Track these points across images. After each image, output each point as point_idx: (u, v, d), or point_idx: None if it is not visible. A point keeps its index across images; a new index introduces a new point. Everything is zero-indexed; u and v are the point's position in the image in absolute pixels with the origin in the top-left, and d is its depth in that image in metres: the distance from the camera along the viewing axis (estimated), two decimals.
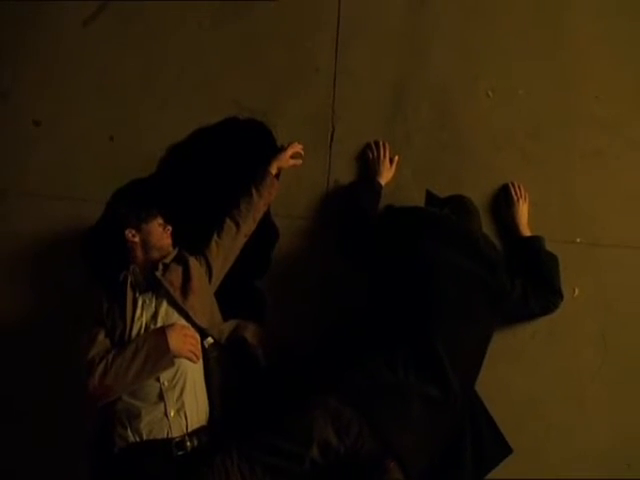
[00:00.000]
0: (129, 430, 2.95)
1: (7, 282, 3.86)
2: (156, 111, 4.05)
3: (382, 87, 4.10)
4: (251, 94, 4.10)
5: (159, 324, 3.07)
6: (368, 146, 3.98)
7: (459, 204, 3.68)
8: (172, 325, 3.07)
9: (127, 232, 3.31)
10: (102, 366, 2.92)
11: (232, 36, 4.18)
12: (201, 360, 3.14)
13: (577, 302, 3.69)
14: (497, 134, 4.01)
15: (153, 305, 3.15)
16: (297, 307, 3.68)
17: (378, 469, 2.87)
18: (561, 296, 3.57)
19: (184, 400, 3.01)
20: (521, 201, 3.80)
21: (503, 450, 3.30)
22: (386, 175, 3.87)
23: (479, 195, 3.86)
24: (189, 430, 2.99)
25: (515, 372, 3.59)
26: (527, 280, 3.48)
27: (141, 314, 3.10)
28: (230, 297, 3.50)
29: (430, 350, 3.01)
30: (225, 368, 3.20)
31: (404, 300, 3.17)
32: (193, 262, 3.34)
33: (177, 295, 3.16)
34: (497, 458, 3.27)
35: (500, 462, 3.27)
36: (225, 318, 3.39)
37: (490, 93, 4.09)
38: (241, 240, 3.55)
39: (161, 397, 2.98)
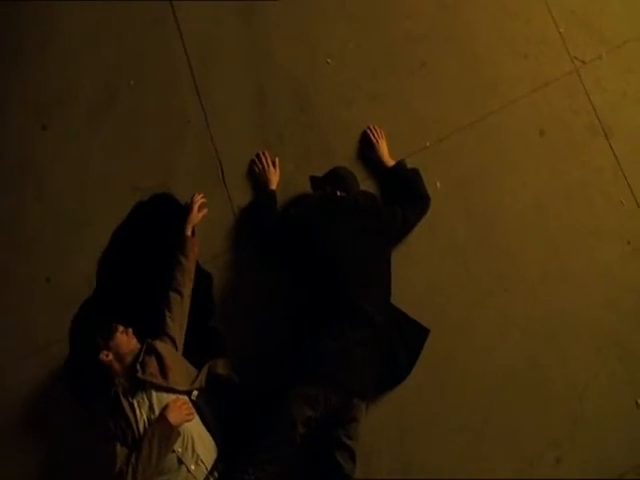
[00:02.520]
0: None
1: (12, 451, 4.29)
2: (75, 234, 4.56)
3: (246, 104, 4.73)
4: (144, 173, 4.66)
5: (157, 411, 3.66)
6: (252, 162, 4.60)
7: (336, 176, 4.36)
8: (166, 406, 3.67)
9: (101, 356, 3.79)
10: (130, 471, 3.50)
11: (109, 130, 4.75)
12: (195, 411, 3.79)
13: (441, 192, 4.49)
14: (344, 92, 4.72)
15: (146, 400, 3.71)
16: (248, 326, 4.29)
17: (346, 409, 3.80)
18: (429, 198, 4.36)
19: (197, 452, 3.68)
20: (380, 140, 4.53)
21: (423, 334, 4.18)
22: (274, 180, 4.50)
23: (348, 152, 4.61)
24: (208, 469, 3.69)
25: (414, 272, 4.37)
26: (403, 202, 4.28)
27: (140, 413, 3.67)
28: (193, 343, 4.11)
29: (352, 306, 3.83)
30: (214, 405, 3.89)
31: (319, 279, 3.91)
32: (159, 345, 3.91)
33: (160, 381, 3.75)
34: (421, 342, 4.16)
35: (424, 344, 4.15)
36: (195, 362, 4.03)
37: (329, 60, 4.76)
38: (187, 302, 4.10)
39: (180, 461, 3.63)
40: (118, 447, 3.59)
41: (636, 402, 4.19)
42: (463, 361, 4.26)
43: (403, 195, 4.32)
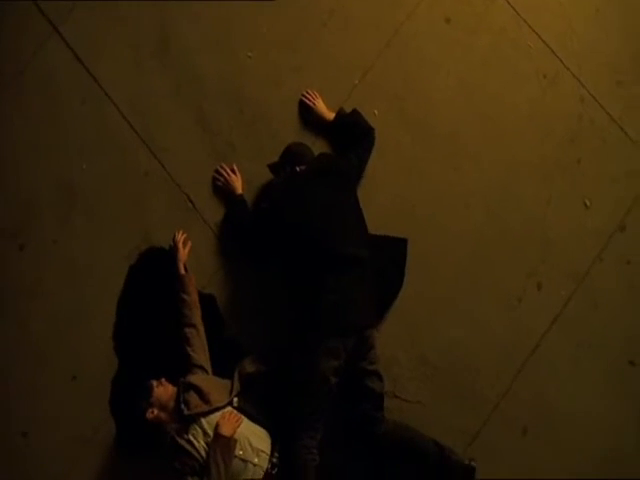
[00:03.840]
0: None
1: None
2: (83, 326, 4.69)
3: (190, 131, 4.84)
4: (125, 240, 4.77)
5: (211, 434, 3.90)
6: (213, 179, 4.74)
7: (290, 154, 4.53)
8: (217, 425, 3.92)
9: (148, 415, 4.01)
10: None
11: (81, 221, 4.81)
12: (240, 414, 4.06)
13: (380, 117, 4.76)
14: (272, 76, 4.86)
15: (199, 429, 3.94)
16: (259, 322, 4.55)
17: (363, 343, 4.15)
18: (373, 129, 4.65)
19: (255, 446, 3.98)
20: (315, 100, 4.74)
21: (402, 245, 4.57)
22: (238, 185, 4.66)
23: (293, 127, 4.80)
24: (269, 454, 4.01)
25: (377, 196, 4.68)
26: (353, 145, 4.58)
27: (199, 442, 3.91)
28: (217, 358, 4.36)
29: (339, 256, 4.13)
30: (253, 399, 4.18)
31: (304, 249, 4.18)
32: (192, 378, 4.13)
33: (205, 408, 3.99)
34: (403, 253, 4.57)
35: (406, 253, 4.56)
36: (225, 372, 4.28)
37: (249, 54, 4.88)
38: (202, 330, 4.34)
39: (244, 461, 3.92)
40: (189, 479, 3.86)
41: (584, 204, 4.72)
42: (440, 248, 4.67)
43: (351, 138, 4.60)
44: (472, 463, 4.16)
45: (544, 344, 4.57)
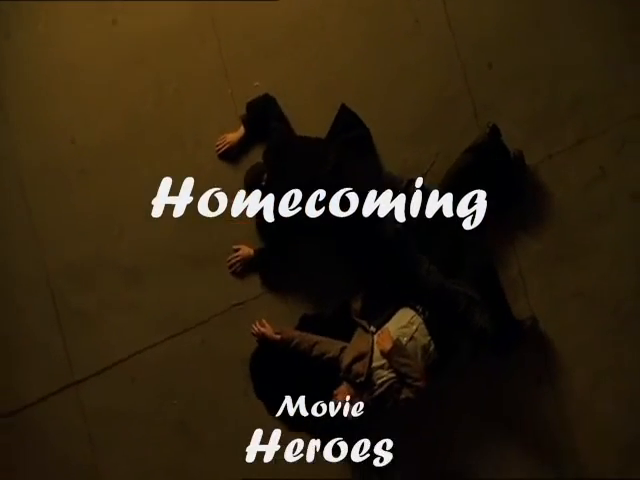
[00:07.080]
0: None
1: None
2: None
3: (193, 279, 5.23)
4: (234, 383, 5.18)
5: (385, 362, 4.59)
6: (233, 272, 5.17)
7: (251, 185, 4.91)
8: (380, 352, 4.61)
9: (353, 404, 4.54)
10: (415, 384, 4.50)
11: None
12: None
13: (263, 82, 5.16)
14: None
15: (378, 371, 4.59)
16: (337, 286, 5.10)
17: (391, 183, 4.89)
18: (266, 94, 5.08)
19: (407, 324, 4.68)
20: (227, 140, 5.15)
21: (343, 111, 5.04)
22: (249, 251, 5.09)
23: (235, 176, 5.11)
24: (416, 313, 4.74)
25: (305, 118, 5.14)
26: (269, 120, 4.99)
27: (387, 375, 4.57)
28: (340, 328, 4.93)
29: (329, 176, 4.72)
30: (376, 310, 4.92)
31: (321, 209, 4.71)
32: (343, 359, 4.68)
33: (367, 360, 4.59)
34: (349, 113, 5.03)
35: (350, 110, 5.03)
36: (350, 330, 4.89)
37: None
38: (320, 337, 4.85)
39: (411, 339, 4.62)
40: (402, 395, 4.54)
41: None
42: (360, 76, 5.19)
43: (265, 119, 5.01)
44: (489, 124, 4.85)
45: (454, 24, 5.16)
